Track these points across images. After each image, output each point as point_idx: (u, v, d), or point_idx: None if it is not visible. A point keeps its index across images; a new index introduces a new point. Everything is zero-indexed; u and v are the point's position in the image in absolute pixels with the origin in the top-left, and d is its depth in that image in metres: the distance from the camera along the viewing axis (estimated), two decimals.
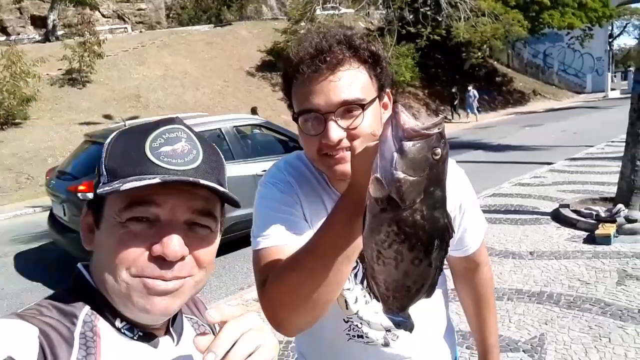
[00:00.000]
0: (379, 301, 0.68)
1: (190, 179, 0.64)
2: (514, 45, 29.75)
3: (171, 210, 0.65)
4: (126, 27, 24.47)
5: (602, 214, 5.19)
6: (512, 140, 13.49)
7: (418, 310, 0.77)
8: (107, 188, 0.63)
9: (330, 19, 19.09)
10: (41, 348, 0.58)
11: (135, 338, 0.68)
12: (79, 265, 0.72)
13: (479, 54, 22.10)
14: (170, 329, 0.74)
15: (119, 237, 0.64)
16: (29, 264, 5.75)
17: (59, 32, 20.14)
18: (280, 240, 0.97)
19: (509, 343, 3.12)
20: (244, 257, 5.43)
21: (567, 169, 8.70)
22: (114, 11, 25.96)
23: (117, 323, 0.67)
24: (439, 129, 0.58)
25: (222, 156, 0.74)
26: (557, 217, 5.61)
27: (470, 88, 20.48)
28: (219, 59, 19.20)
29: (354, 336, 1.12)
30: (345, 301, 1.09)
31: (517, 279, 4.09)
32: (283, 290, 0.87)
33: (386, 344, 1.13)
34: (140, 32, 23.38)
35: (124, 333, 0.67)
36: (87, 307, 0.66)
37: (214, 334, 0.84)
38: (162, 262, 0.64)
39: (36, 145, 12.11)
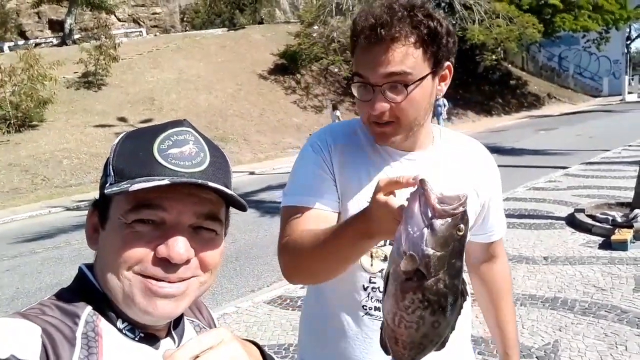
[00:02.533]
0: (388, 354, 0.72)
1: (199, 181, 0.64)
2: (529, 49, 29.48)
3: (177, 215, 0.65)
4: (141, 31, 24.79)
5: (619, 219, 5.09)
6: (526, 144, 13.34)
7: None
8: (115, 188, 0.63)
9: (344, 22, 19.11)
10: (44, 347, 0.58)
11: (136, 339, 0.67)
12: (82, 265, 0.72)
13: (493, 56, 21.95)
14: (172, 331, 0.74)
15: (124, 237, 0.64)
16: (44, 264, 5.83)
17: (76, 36, 20.48)
18: (303, 201, 1.06)
19: (522, 349, 3.06)
20: (255, 260, 5.45)
21: (582, 173, 8.57)
22: (129, 15, 26.31)
23: (119, 324, 0.67)
24: (463, 207, 0.64)
25: (229, 159, 0.74)
26: (572, 222, 5.52)
27: (439, 97, 19.18)
28: (232, 62, 19.33)
29: (371, 308, 1.09)
30: (371, 255, 1.08)
31: (531, 285, 4.03)
32: (294, 265, 1.04)
33: None
34: (155, 35, 23.67)
35: (125, 334, 0.67)
36: (89, 308, 0.66)
37: None
38: (167, 264, 0.64)
39: (52, 147, 12.30)
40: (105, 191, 0.65)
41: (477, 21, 19.62)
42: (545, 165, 9.71)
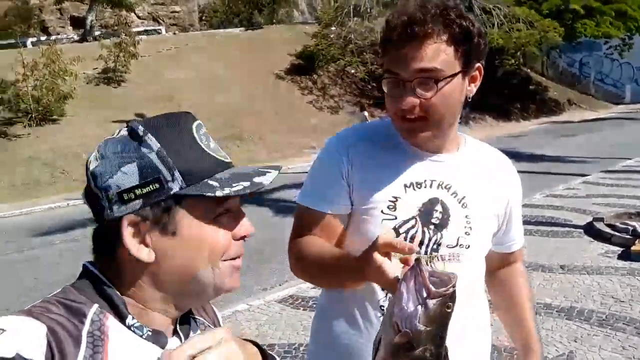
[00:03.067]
0: None
1: (277, 171, 0.74)
2: (549, 54, 29.06)
3: (236, 200, 0.71)
4: (160, 29, 25.04)
5: (639, 229, 4.99)
6: (545, 150, 13.14)
7: (467, 324, 1.08)
8: (222, 192, 0.66)
9: (361, 23, 19.06)
10: (49, 346, 0.58)
11: (144, 337, 0.67)
12: (86, 262, 0.71)
13: (513, 61, 21.66)
14: (178, 329, 0.74)
15: (213, 231, 0.68)
16: (62, 255, 5.92)
17: (96, 33, 20.76)
18: (314, 204, 1.14)
19: None
20: (268, 258, 5.46)
21: (602, 181, 8.41)
22: (149, 13, 26.60)
23: (129, 320, 0.67)
24: (453, 287, 0.71)
25: None
26: (591, 230, 5.43)
27: (365, 113, 16.26)
28: (250, 61, 19.40)
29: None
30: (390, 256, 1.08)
31: (547, 293, 3.97)
32: (300, 270, 1.18)
33: None
34: (174, 34, 23.87)
35: (134, 331, 0.67)
36: (96, 306, 0.66)
37: None
38: (242, 242, 0.72)
39: (71, 141, 12.48)
40: (215, 194, 0.65)
41: (496, 25, 19.39)
42: (564, 172, 9.56)
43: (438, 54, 0.98)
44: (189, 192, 0.65)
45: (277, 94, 17.94)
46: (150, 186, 0.65)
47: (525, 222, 5.40)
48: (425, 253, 1.09)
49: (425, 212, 1.09)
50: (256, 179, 0.68)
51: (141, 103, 15.32)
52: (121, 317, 0.66)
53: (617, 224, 5.30)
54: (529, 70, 28.53)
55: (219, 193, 0.65)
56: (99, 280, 0.68)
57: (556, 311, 3.64)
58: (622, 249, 4.78)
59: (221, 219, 0.69)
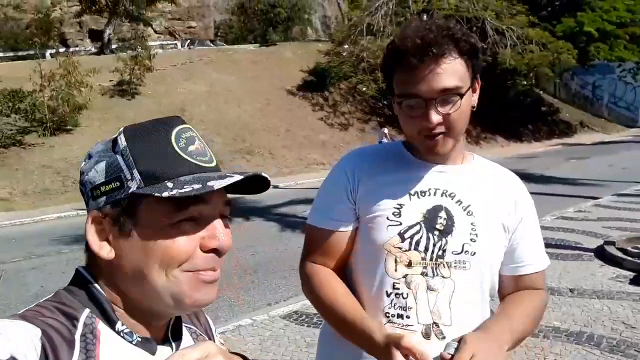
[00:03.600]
0: None
1: (251, 172, 0.68)
2: (562, 76, 29.01)
3: (214, 206, 0.68)
4: (176, 44, 25.49)
5: None
6: (556, 172, 13.04)
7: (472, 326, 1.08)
8: (175, 192, 0.62)
9: (374, 42, 19.23)
10: (43, 349, 0.58)
11: (133, 343, 0.67)
12: (79, 267, 0.71)
13: (525, 82, 21.64)
14: (169, 336, 0.74)
15: (171, 237, 0.65)
16: (69, 264, 5.94)
17: (113, 46, 21.18)
18: (321, 223, 1.18)
19: None
20: (274, 273, 5.44)
21: (614, 204, 8.30)
22: (165, 28, 27.14)
23: (118, 326, 0.67)
24: None
25: None
26: (602, 254, 5.33)
27: (384, 130, 15.37)
28: (262, 77, 19.64)
29: (394, 316, 1.09)
30: (396, 261, 1.10)
31: (555, 317, 3.89)
32: (310, 299, 1.20)
33: (427, 336, 1.07)
34: (189, 48, 24.27)
35: (123, 337, 0.67)
36: (87, 310, 0.66)
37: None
38: (215, 255, 0.67)
39: (84, 151, 12.49)
40: (162, 194, 0.63)
41: (509, 46, 19.43)
42: (575, 194, 9.45)
43: (456, 71, 1.04)
44: (142, 192, 0.64)
45: (288, 109, 18.09)
46: (112, 184, 0.66)
47: None
48: (431, 259, 1.09)
49: (430, 219, 1.10)
50: (210, 183, 0.64)
51: (154, 115, 15.26)
52: (110, 323, 0.66)
53: (629, 248, 5.20)
54: (541, 91, 28.48)
55: (165, 194, 0.62)
56: (89, 284, 0.68)
57: (565, 335, 3.56)
58: (634, 274, 4.69)
59: (183, 225, 0.65)
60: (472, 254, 1.09)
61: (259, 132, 16.12)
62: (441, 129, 1.05)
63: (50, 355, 0.58)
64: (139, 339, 0.68)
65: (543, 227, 5.62)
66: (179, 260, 0.65)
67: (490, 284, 1.15)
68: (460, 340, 0.97)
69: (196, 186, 0.63)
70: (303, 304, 4.27)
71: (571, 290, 4.42)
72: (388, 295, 1.10)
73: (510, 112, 22.01)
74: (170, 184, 0.64)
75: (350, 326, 1.07)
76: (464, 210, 1.12)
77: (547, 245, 4.83)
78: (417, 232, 1.10)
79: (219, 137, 14.66)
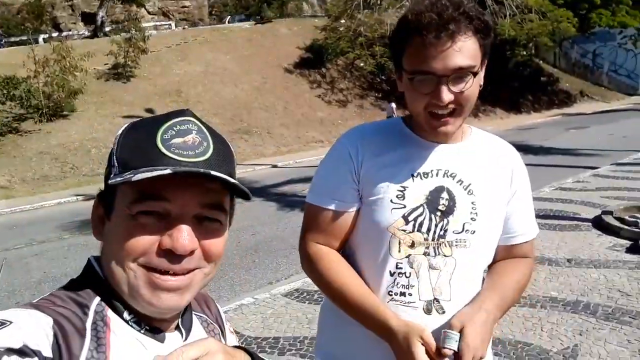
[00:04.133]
0: None
1: (201, 170, 0.64)
2: (561, 45, 28.62)
3: (181, 205, 0.65)
4: (170, 24, 25.13)
5: None
6: (555, 142, 13.00)
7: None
8: (118, 179, 0.63)
9: (371, 16, 18.92)
10: (55, 337, 0.59)
11: (142, 331, 0.68)
12: (91, 257, 0.73)
13: (524, 52, 21.37)
14: (180, 325, 0.74)
15: (129, 228, 0.65)
16: (70, 249, 6.00)
17: (107, 29, 20.90)
18: (324, 202, 1.17)
19: (540, 352, 3.00)
20: (274, 252, 5.48)
21: (612, 174, 8.29)
22: (159, 8, 26.71)
23: (125, 315, 0.67)
24: None
25: (232, 148, 0.74)
26: (599, 224, 5.36)
27: (392, 105, 15.18)
28: (258, 55, 19.41)
29: (396, 294, 1.12)
30: (399, 242, 1.11)
31: (552, 287, 3.93)
32: (313, 278, 1.20)
33: (428, 311, 1.11)
34: (184, 28, 23.95)
35: (131, 326, 0.68)
36: (98, 298, 0.67)
37: (222, 334, 0.84)
38: (172, 255, 0.65)
39: (81, 136, 12.62)
40: (109, 181, 0.65)
41: (508, 15, 19.13)
42: (574, 165, 9.44)
43: (471, 49, 1.02)
44: (110, 179, 0.66)
45: (285, 87, 17.94)
46: (107, 169, 0.69)
47: None
48: (433, 239, 1.11)
49: (432, 200, 1.12)
50: (145, 175, 0.61)
51: (150, 98, 15.43)
52: (118, 312, 0.67)
53: (626, 217, 5.22)
54: (540, 61, 28.15)
55: (118, 179, 0.63)
56: (97, 273, 0.70)
57: (562, 304, 3.60)
58: (630, 243, 4.72)
59: (143, 218, 0.64)
60: (472, 232, 1.12)
61: (257, 111, 16.02)
62: (451, 107, 1.05)
63: (62, 343, 0.59)
64: (147, 328, 0.69)
65: (542, 199, 5.62)
66: (133, 253, 0.64)
67: (489, 258, 1.20)
68: (460, 331, 1.02)
69: (140, 176, 0.61)
70: (304, 281, 4.31)
71: (568, 261, 4.45)
72: (391, 275, 1.12)
73: (509, 83, 21.81)
74: (129, 174, 0.63)
75: (362, 311, 1.10)
76: (465, 189, 1.14)
77: (546, 217, 4.83)
78: (421, 214, 1.11)
79: (216, 118, 14.58)
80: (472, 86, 1.04)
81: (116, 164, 0.67)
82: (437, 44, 1.00)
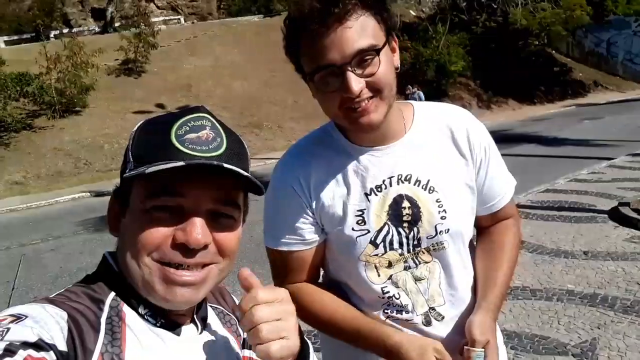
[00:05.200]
0: None
1: (214, 162, 0.64)
2: (575, 34, 28.16)
3: (195, 201, 0.66)
4: (179, 19, 25.17)
5: None
6: (569, 133, 12.82)
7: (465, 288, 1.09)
8: (133, 172, 0.64)
9: None
10: (70, 332, 0.60)
11: (157, 325, 0.69)
12: (106, 252, 0.74)
13: (537, 42, 21.08)
14: (195, 317, 0.75)
15: (143, 223, 0.65)
16: (85, 244, 6.07)
17: (116, 24, 21.00)
18: (284, 246, 1.08)
19: (557, 345, 2.97)
20: None
21: (628, 165, 8.16)
22: (167, 3, 26.75)
23: (140, 309, 0.68)
24: None
25: (246, 145, 0.74)
26: (616, 215, 5.27)
27: (415, 89, 15.45)
28: (267, 49, 19.36)
29: (393, 312, 1.07)
30: (376, 267, 1.06)
31: (569, 280, 3.88)
32: (307, 322, 1.09)
33: (427, 323, 1.07)
34: (193, 23, 23.98)
35: (147, 319, 0.68)
36: (113, 293, 0.68)
37: (240, 323, 0.83)
38: (185, 249, 0.65)
39: (93, 132, 12.73)
40: (124, 175, 0.66)
41: (520, 4, 18.85)
42: (588, 156, 9.30)
43: (365, 28, 0.91)
44: (125, 173, 0.67)
45: (295, 81, 17.68)
46: (123, 165, 0.70)
47: (547, 207, 5.23)
48: (409, 252, 1.05)
49: (395, 214, 1.04)
50: (158, 168, 0.62)
51: (161, 93, 15.50)
52: (133, 307, 0.68)
53: None
54: (553, 51, 27.75)
55: (132, 172, 0.64)
56: (112, 268, 0.71)
57: (579, 298, 3.56)
58: None
59: (157, 213, 0.65)
60: (447, 231, 1.05)
61: (266, 105, 16.03)
62: (366, 95, 0.93)
63: (76, 337, 0.60)
64: (162, 321, 0.69)
65: (557, 190, 5.51)
66: (147, 247, 0.65)
67: (470, 233, 1.14)
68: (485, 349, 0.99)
69: (153, 168, 0.62)
70: None
71: (585, 253, 4.39)
72: (381, 298, 1.07)
73: (521, 74, 21.53)
74: (143, 167, 0.63)
75: (359, 334, 1.04)
76: (425, 189, 1.05)
77: (561, 209, 4.75)
78: (387, 232, 1.04)
79: (226, 112, 14.61)
80: (383, 66, 0.92)
81: (131, 159, 0.67)
82: (326, 32, 0.89)
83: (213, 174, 0.65)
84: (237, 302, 0.89)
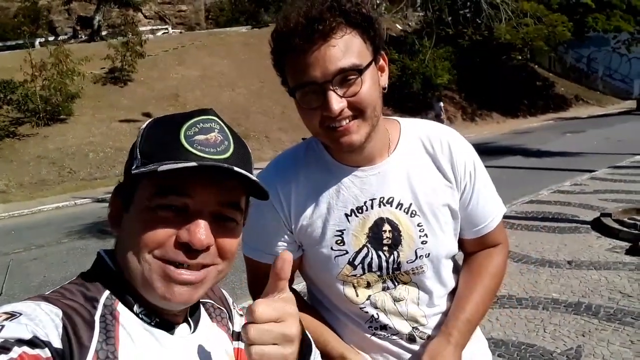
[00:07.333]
0: None
1: (225, 165, 0.65)
2: (556, 49, 28.84)
3: (201, 202, 0.67)
4: (167, 28, 25.15)
5: None
6: (552, 146, 13.07)
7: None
8: (143, 169, 0.64)
9: None
10: (65, 329, 0.60)
11: (152, 324, 0.69)
12: (101, 250, 0.74)
13: (520, 56, 21.51)
14: (188, 316, 0.75)
15: (147, 220, 0.66)
16: (69, 254, 5.97)
17: (103, 32, 20.90)
18: (262, 258, 1.07)
19: (543, 353, 3.01)
20: None
21: (610, 177, 8.35)
22: (155, 12, 26.73)
23: (136, 308, 0.68)
24: None
25: (250, 151, 0.76)
26: (598, 226, 5.39)
27: (441, 104, 15.90)
28: (256, 59, 19.42)
29: (376, 328, 1.08)
30: (354, 286, 1.06)
31: (554, 289, 3.95)
32: None
33: (412, 340, 1.08)
34: (181, 33, 23.97)
35: (141, 318, 0.68)
36: (107, 291, 0.68)
37: (230, 317, 0.85)
38: (188, 249, 0.66)
39: (78, 140, 12.58)
40: (133, 172, 0.66)
41: (504, 20, 19.27)
42: (571, 168, 9.49)
43: (349, 46, 0.90)
44: (132, 169, 0.67)
45: (282, 92, 17.53)
46: (130, 161, 0.70)
47: (531, 218, 5.31)
48: (387, 274, 1.05)
49: (375, 237, 1.03)
50: (170, 166, 0.62)
51: (148, 102, 15.41)
52: (128, 305, 0.68)
53: (625, 219, 5.25)
54: (535, 66, 28.35)
55: (142, 169, 0.65)
56: (107, 266, 0.71)
57: (564, 306, 3.62)
58: (629, 245, 4.74)
59: (162, 212, 0.66)
60: (427, 255, 1.05)
61: (254, 115, 16.04)
62: (347, 115, 0.91)
63: (71, 334, 0.60)
64: (157, 320, 0.70)
65: (540, 202, 5.63)
66: (150, 245, 0.65)
67: (451, 263, 1.14)
68: None
69: (166, 167, 0.62)
70: (304, 285, 4.31)
71: (569, 263, 4.47)
72: (361, 317, 1.08)
73: (505, 88, 21.94)
74: (153, 165, 0.64)
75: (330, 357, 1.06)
76: (407, 213, 1.03)
77: (545, 219, 4.85)
78: (366, 255, 1.03)
79: None
80: (367, 86, 0.91)
81: (139, 156, 0.68)
82: (310, 48, 0.88)
83: (221, 177, 0.66)
84: (226, 294, 0.90)
